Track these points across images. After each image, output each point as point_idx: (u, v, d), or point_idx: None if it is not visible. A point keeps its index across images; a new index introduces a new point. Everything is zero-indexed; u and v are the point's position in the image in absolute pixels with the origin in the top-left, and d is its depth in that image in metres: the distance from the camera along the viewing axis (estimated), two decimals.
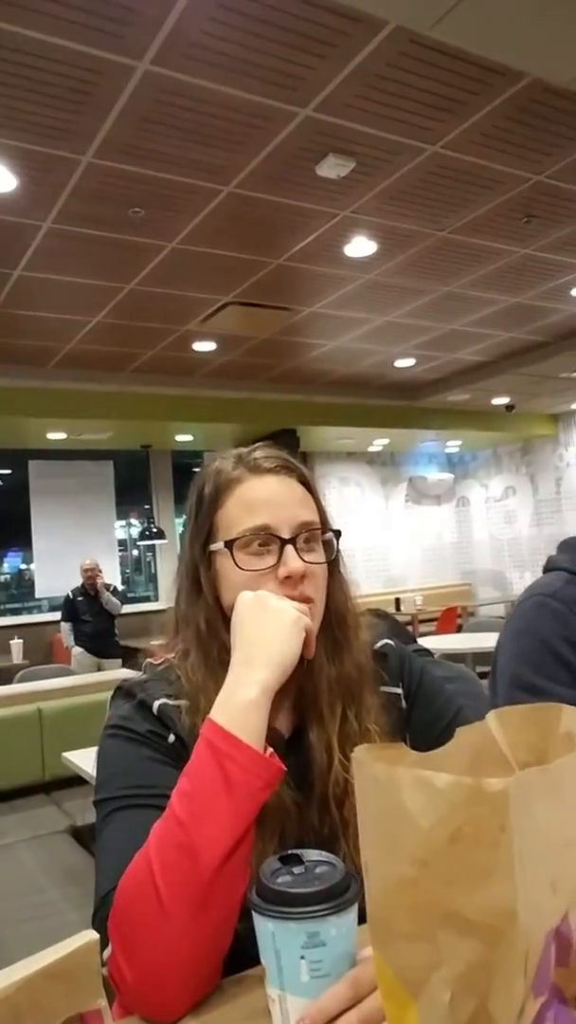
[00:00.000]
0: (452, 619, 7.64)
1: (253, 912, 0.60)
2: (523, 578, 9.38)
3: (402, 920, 0.46)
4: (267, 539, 0.86)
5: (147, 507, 8.69)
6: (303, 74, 2.54)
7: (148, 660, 0.95)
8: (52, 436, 6.98)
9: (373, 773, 0.47)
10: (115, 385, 6.16)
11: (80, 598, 6.36)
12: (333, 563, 0.92)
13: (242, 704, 0.74)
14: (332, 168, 3.15)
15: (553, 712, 0.60)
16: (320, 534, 0.90)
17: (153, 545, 8.36)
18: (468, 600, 9.50)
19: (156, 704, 0.86)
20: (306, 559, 0.86)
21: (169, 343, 5.40)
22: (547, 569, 1.23)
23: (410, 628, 7.26)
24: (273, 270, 4.22)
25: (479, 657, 5.38)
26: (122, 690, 0.90)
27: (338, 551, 0.93)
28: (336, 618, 0.92)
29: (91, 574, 6.29)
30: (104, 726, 0.89)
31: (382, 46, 2.42)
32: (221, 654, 0.86)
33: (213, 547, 0.89)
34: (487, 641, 5.62)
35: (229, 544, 0.87)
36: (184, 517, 0.96)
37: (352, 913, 0.60)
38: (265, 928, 0.58)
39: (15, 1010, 0.46)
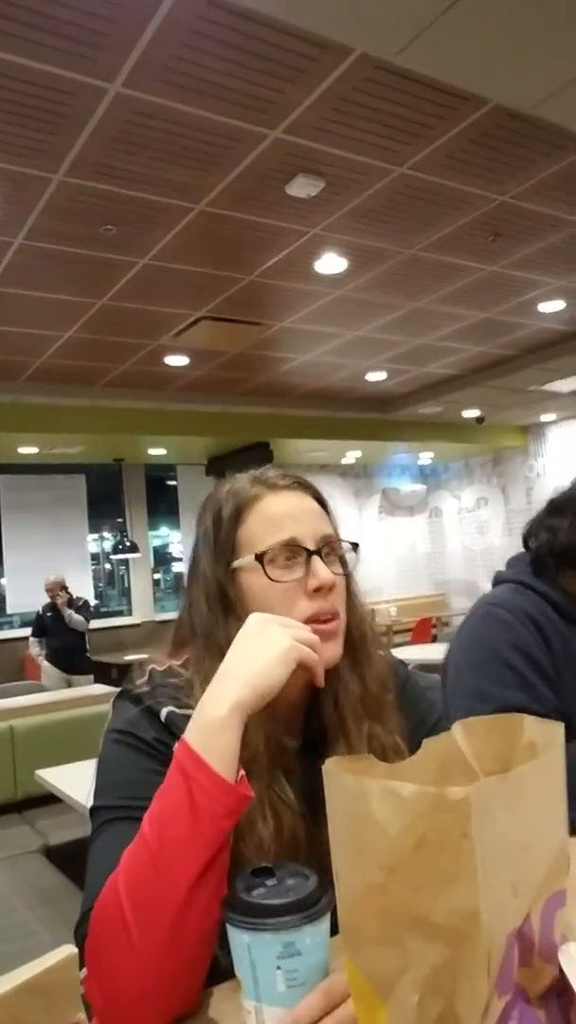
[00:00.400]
0: (427, 629, 7.71)
1: (228, 925, 0.61)
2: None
3: (371, 925, 0.49)
4: (294, 552, 0.86)
5: (120, 520, 8.65)
6: (272, 97, 2.59)
7: (152, 666, 0.92)
8: (23, 450, 6.93)
9: (343, 783, 0.50)
10: (87, 399, 6.15)
11: (49, 614, 6.31)
12: (350, 578, 0.93)
13: (211, 722, 0.72)
14: (302, 188, 3.20)
15: (516, 722, 0.63)
16: (337, 547, 0.91)
17: (126, 559, 8.31)
18: (442, 610, 9.58)
19: (164, 712, 0.83)
20: (332, 571, 0.87)
21: (141, 357, 5.41)
22: (496, 582, 1.28)
23: (385, 639, 7.29)
24: (245, 286, 4.26)
25: None
26: (128, 694, 0.88)
27: (353, 566, 0.94)
28: (358, 635, 0.92)
29: (52, 593, 6.24)
30: (108, 729, 0.86)
31: (349, 72, 2.48)
32: None
33: (239, 563, 0.88)
34: None
35: (260, 557, 0.86)
36: (195, 540, 0.94)
37: (325, 923, 0.61)
38: (240, 940, 0.59)
39: None
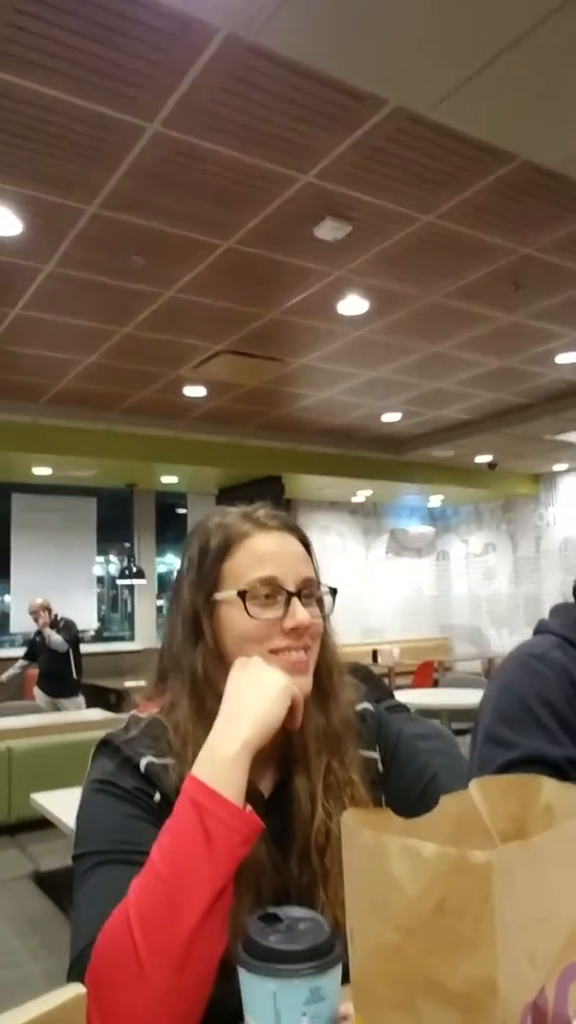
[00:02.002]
0: (429, 674, 7.63)
1: (247, 974, 0.59)
2: (500, 635, 9.41)
3: (385, 986, 0.48)
4: (274, 591, 0.88)
5: (127, 545, 8.66)
6: (306, 143, 2.66)
7: (133, 713, 0.94)
8: (38, 471, 6.98)
9: (362, 839, 0.49)
10: (104, 424, 6.21)
11: (38, 638, 6.29)
12: (324, 620, 0.95)
13: (223, 760, 0.75)
14: (329, 231, 3.26)
15: (534, 783, 0.62)
16: (316, 592, 0.93)
17: (132, 585, 8.30)
18: (445, 655, 9.49)
19: (143, 762, 0.85)
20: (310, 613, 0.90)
21: (160, 386, 5.47)
22: (537, 632, 1.24)
23: (387, 681, 7.22)
24: (266, 322, 4.32)
25: (455, 713, 5.37)
26: (108, 746, 0.89)
27: (329, 608, 0.96)
28: (325, 671, 0.94)
29: (34, 616, 6.21)
30: (88, 780, 0.88)
31: (383, 122, 2.55)
32: (215, 704, 0.85)
33: (220, 596, 0.90)
34: (463, 697, 5.61)
35: (241, 594, 0.88)
36: (180, 567, 0.97)
37: (340, 965, 0.61)
38: (264, 989, 0.58)
39: None
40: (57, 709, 5.94)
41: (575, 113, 2.42)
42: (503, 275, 3.80)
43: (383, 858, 0.47)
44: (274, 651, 0.87)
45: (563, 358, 5.09)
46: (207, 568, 0.92)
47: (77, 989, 0.51)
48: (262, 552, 0.91)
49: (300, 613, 0.87)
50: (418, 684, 7.35)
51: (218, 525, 0.94)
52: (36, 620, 6.21)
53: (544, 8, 1.92)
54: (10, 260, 3.46)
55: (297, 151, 2.70)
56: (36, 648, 6.31)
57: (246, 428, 6.80)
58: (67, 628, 6.30)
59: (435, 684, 7.42)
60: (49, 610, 6.28)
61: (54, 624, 6.25)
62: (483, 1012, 0.44)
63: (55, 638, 6.17)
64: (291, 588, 0.89)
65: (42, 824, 3.12)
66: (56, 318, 4.17)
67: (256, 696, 0.80)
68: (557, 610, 1.25)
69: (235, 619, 0.89)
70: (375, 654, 8.18)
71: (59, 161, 2.70)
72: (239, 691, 0.81)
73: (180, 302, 3.98)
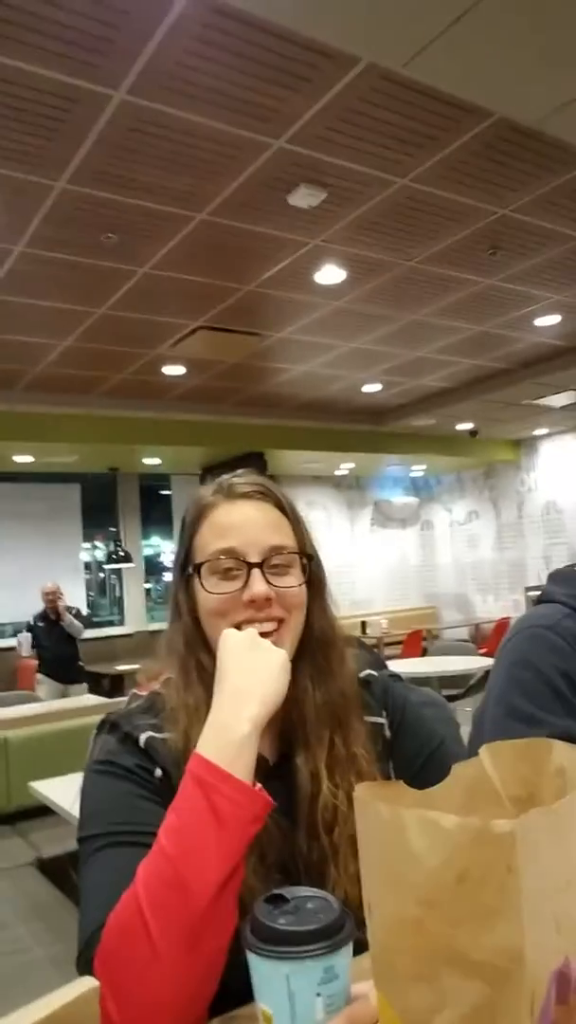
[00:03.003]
0: (417, 643, 7.68)
1: (258, 958, 0.58)
2: (486, 601, 9.49)
3: (406, 961, 0.46)
4: (236, 563, 0.87)
5: (113, 530, 8.61)
6: (276, 106, 2.59)
7: (133, 691, 0.96)
8: (19, 459, 6.89)
9: (376, 812, 0.47)
10: (83, 408, 6.12)
11: (40, 624, 6.20)
12: (316, 589, 0.93)
13: (233, 740, 0.74)
14: (303, 198, 3.20)
15: (544, 747, 0.61)
16: (296, 558, 0.90)
17: (119, 569, 8.27)
18: (433, 623, 9.58)
19: (143, 737, 0.85)
20: (276, 583, 0.87)
21: (139, 367, 5.40)
22: (542, 600, 1.22)
23: (376, 651, 7.26)
24: (243, 296, 4.26)
25: (445, 681, 5.42)
26: (107, 723, 0.90)
27: (320, 577, 0.95)
28: (319, 644, 0.92)
29: (51, 597, 6.14)
30: (89, 761, 0.87)
31: (355, 82, 2.48)
32: (201, 673, 0.87)
33: (190, 571, 0.90)
34: (452, 665, 5.66)
35: (197, 568, 0.89)
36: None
37: (352, 942, 0.60)
38: (277, 972, 0.57)
39: None
40: (64, 695, 5.92)
41: (552, 68, 2.37)
42: (480, 238, 3.76)
43: (400, 831, 0.45)
44: (238, 625, 0.85)
45: (541, 321, 5.07)
46: (182, 543, 0.94)
47: (90, 983, 0.49)
48: (222, 524, 0.90)
49: (257, 585, 0.86)
50: (407, 654, 7.41)
51: (194, 499, 0.95)
52: (53, 604, 6.11)
53: None
54: None
55: (268, 115, 2.63)
56: (38, 633, 6.20)
57: (227, 405, 6.74)
58: (78, 615, 6.29)
59: (424, 653, 7.49)
60: (61, 595, 6.25)
61: (68, 611, 6.22)
62: (509, 981, 0.43)
63: (76, 624, 6.17)
64: (253, 559, 0.87)
65: (42, 812, 3.12)
66: (29, 301, 4.08)
67: (261, 672, 0.79)
68: (560, 577, 1.22)
69: (201, 593, 0.88)
70: (363, 625, 8.23)
71: (21, 135, 2.61)
72: (241, 667, 0.80)
73: (155, 279, 3.91)
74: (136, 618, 8.35)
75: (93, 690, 6.23)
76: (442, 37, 2.16)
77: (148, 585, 8.80)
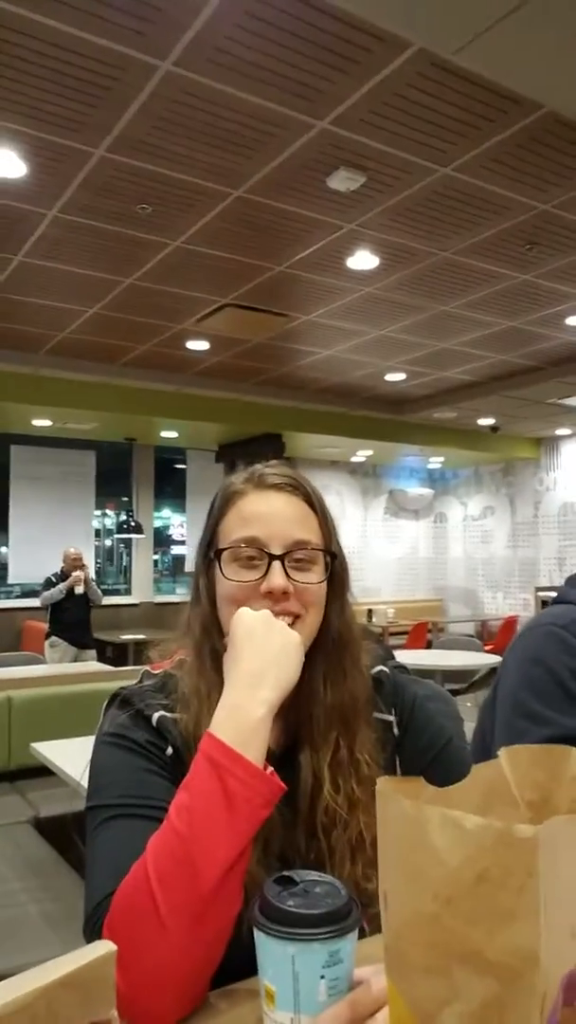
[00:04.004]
0: (422, 634, 7.70)
1: (266, 937, 0.60)
2: (495, 598, 9.48)
3: (419, 953, 0.47)
4: (258, 553, 0.87)
5: (125, 499, 8.64)
6: (323, 87, 2.56)
7: (146, 669, 0.96)
8: (37, 423, 6.92)
9: (399, 806, 0.48)
10: (105, 376, 6.13)
11: (60, 584, 6.28)
12: (337, 588, 0.93)
13: (248, 722, 0.75)
14: (342, 181, 3.17)
15: (562, 754, 0.61)
16: (319, 555, 0.90)
17: (129, 539, 8.31)
18: (439, 616, 9.58)
19: (155, 716, 0.86)
20: (296, 578, 0.87)
21: (163, 339, 5.39)
22: (558, 601, 1.22)
23: (382, 640, 7.29)
24: (274, 276, 4.23)
25: (448, 675, 5.44)
26: (119, 698, 0.90)
27: (342, 577, 0.94)
28: (335, 644, 0.92)
29: (78, 563, 6.22)
30: (100, 733, 0.88)
31: (404, 66, 2.45)
32: (214, 659, 0.87)
33: (211, 556, 0.91)
34: (456, 659, 5.68)
35: (218, 553, 0.89)
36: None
37: (357, 928, 0.62)
38: (283, 952, 0.59)
39: (33, 1017, 0.46)
40: (76, 659, 6.00)
41: None
42: (518, 232, 3.71)
43: (422, 827, 0.46)
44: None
45: (573, 320, 5.02)
46: (208, 528, 0.94)
47: (109, 946, 0.50)
48: (249, 512, 0.89)
49: (276, 577, 0.85)
50: (411, 645, 7.43)
51: (224, 484, 0.95)
52: (78, 569, 6.17)
53: None
54: (13, 204, 3.36)
55: (313, 95, 2.60)
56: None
57: (248, 384, 6.73)
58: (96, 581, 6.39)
59: (428, 645, 7.50)
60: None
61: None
62: (521, 981, 0.44)
63: (97, 590, 6.33)
64: (275, 551, 0.87)
65: (41, 772, 3.17)
66: (60, 266, 4.08)
67: (275, 654, 0.79)
68: (574, 580, 1.23)
69: (220, 579, 0.89)
70: (370, 613, 8.25)
71: (66, 100, 2.59)
72: (254, 648, 0.79)
73: (186, 252, 3.89)
74: (143, 589, 8.41)
75: (98, 657, 6.30)
76: (496, 26, 2.12)
77: (155, 557, 8.84)
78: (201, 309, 4.76)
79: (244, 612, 0.83)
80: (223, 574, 0.88)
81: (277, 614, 0.84)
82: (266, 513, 0.89)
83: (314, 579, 0.88)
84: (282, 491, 0.91)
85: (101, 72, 2.45)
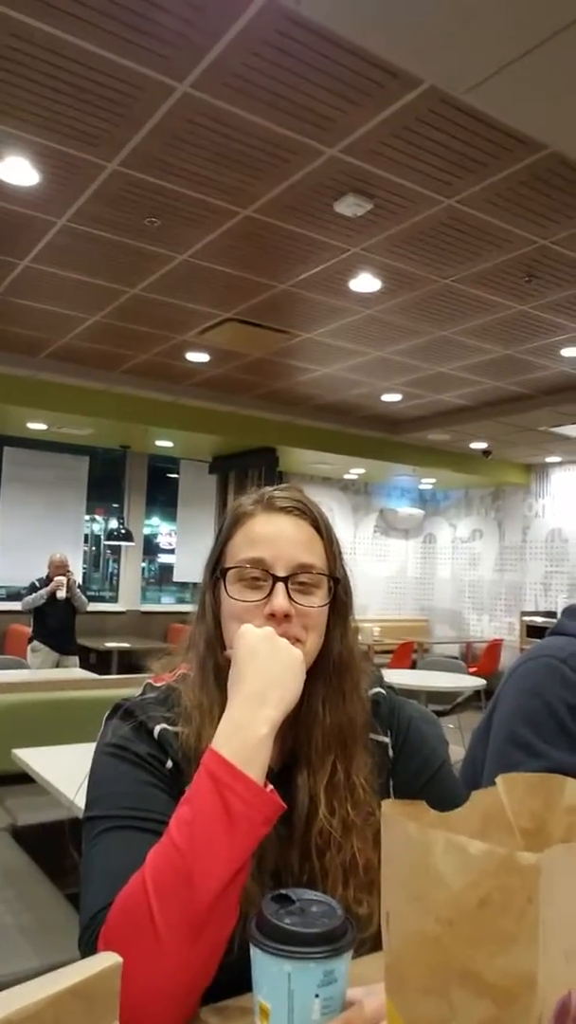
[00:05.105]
0: (407, 654, 7.71)
1: (262, 954, 0.60)
2: (480, 621, 9.52)
3: (420, 973, 0.50)
4: (262, 574, 0.88)
5: (116, 506, 8.63)
6: (335, 116, 2.61)
7: (148, 681, 0.96)
8: (32, 426, 6.92)
9: (405, 831, 0.51)
10: (103, 383, 6.15)
11: (42, 590, 6.25)
12: (340, 613, 0.94)
13: (251, 740, 0.76)
14: (349, 207, 3.22)
15: (558, 784, 0.64)
16: (323, 579, 0.91)
17: (119, 546, 8.29)
18: (424, 636, 9.60)
19: (157, 729, 0.87)
20: (299, 601, 0.88)
21: (163, 350, 5.43)
22: (556, 632, 1.23)
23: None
24: (277, 293, 4.28)
25: (432, 696, 5.45)
26: (122, 709, 0.91)
27: (345, 602, 0.95)
28: (335, 668, 0.93)
29: (62, 569, 6.18)
30: (101, 743, 0.89)
31: (415, 102, 2.51)
32: (217, 675, 0.88)
33: (218, 575, 0.92)
34: (440, 680, 5.69)
35: (223, 572, 0.90)
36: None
37: (352, 948, 0.63)
38: (280, 970, 0.59)
39: None
40: (58, 665, 5.96)
41: None
42: (517, 264, 3.78)
43: (427, 851, 0.49)
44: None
45: (568, 351, 5.10)
46: (216, 546, 0.95)
47: (114, 958, 0.51)
48: (256, 534, 0.91)
49: (279, 599, 0.86)
50: (396, 664, 7.43)
51: (234, 504, 0.96)
52: (63, 575, 6.10)
53: None
54: (23, 211, 3.39)
55: (325, 124, 2.66)
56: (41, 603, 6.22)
57: (245, 398, 6.76)
58: (82, 588, 6.32)
59: (413, 665, 7.51)
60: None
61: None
62: (517, 1005, 0.46)
63: (82, 596, 6.24)
64: (280, 573, 0.88)
65: (21, 779, 3.14)
66: (65, 273, 4.11)
67: (278, 673, 0.81)
68: (572, 612, 1.25)
69: (224, 598, 0.90)
70: (364, 655, 8.23)
71: (83, 115, 2.64)
72: (258, 665, 0.81)
73: (192, 267, 3.93)
74: (130, 597, 8.38)
75: (80, 664, 6.27)
76: (506, 70, 2.18)
77: (143, 564, 8.83)
78: (203, 322, 4.80)
79: (248, 629, 0.84)
80: (228, 593, 0.89)
81: (280, 636, 0.85)
82: (273, 535, 0.90)
83: (316, 603, 0.90)
84: (290, 514, 0.93)
85: (120, 90, 2.49)
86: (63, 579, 6.09)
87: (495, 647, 8.42)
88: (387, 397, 6.55)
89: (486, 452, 8.24)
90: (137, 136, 2.76)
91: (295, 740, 0.90)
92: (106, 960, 0.52)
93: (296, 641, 0.87)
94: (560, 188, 3.04)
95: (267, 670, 0.80)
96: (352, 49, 2.25)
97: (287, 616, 0.86)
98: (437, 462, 8.35)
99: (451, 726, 5.49)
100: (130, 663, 6.98)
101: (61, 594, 6.06)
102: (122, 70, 2.39)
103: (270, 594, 0.87)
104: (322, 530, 0.95)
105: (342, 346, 5.20)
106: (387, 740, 0.98)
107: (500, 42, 2.09)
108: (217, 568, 0.93)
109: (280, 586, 0.87)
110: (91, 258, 3.89)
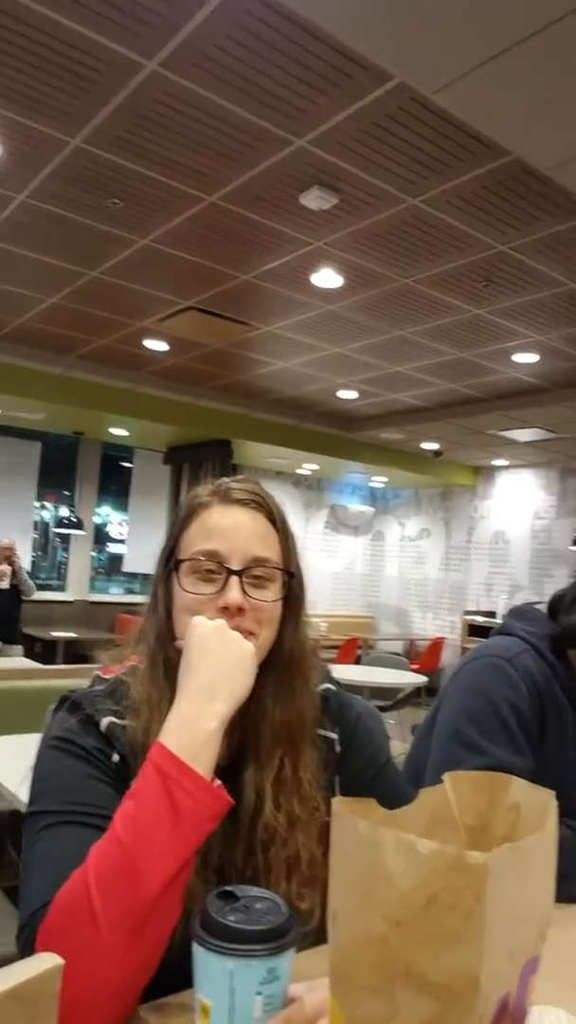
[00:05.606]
0: (352, 650, 7.78)
1: (204, 951, 0.60)
2: (424, 619, 9.67)
3: (365, 972, 0.49)
4: (216, 567, 0.87)
5: (67, 493, 8.47)
6: (304, 106, 2.60)
7: (97, 673, 0.94)
8: None
9: (355, 829, 0.50)
10: (58, 367, 6.02)
11: None
12: (293, 608, 0.93)
13: (200, 734, 0.75)
14: (315, 200, 3.21)
15: (502, 782, 0.64)
16: (277, 573, 0.90)
17: (68, 535, 8.14)
18: (370, 633, 9.70)
19: (104, 722, 0.85)
20: (252, 595, 0.87)
21: (121, 336, 5.33)
22: (501, 632, 1.25)
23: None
24: (239, 284, 4.25)
25: (375, 691, 5.51)
26: (68, 701, 0.89)
27: (299, 596, 0.94)
28: (286, 663, 0.92)
29: (8, 553, 6.04)
30: (46, 736, 0.87)
31: (384, 97, 2.51)
32: (167, 668, 0.87)
33: (171, 566, 0.91)
34: (383, 676, 5.76)
35: (177, 564, 0.89)
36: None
37: (295, 946, 0.63)
38: (222, 967, 0.59)
39: None
40: (2, 656, 5.81)
41: (574, 118, 2.43)
42: (476, 268, 3.83)
43: (377, 849, 0.48)
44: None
45: (520, 357, 5.19)
46: (170, 538, 0.93)
47: (54, 960, 0.50)
48: (211, 525, 0.90)
49: (232, 593, 0.85)
50: (341, 660, 7.49)
51: (190, 495, 0.95)
52: (10, 560, 5.96)
53: (566, 6, 1.91)
54: None
55: (294, 113, 2.64)
56: None
57: (203, 388, 6.71)
58: (29, 574, 6.18)
59: (357, 661, 7.58)
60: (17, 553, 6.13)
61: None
62: (461, 1003, 0.46)
63: (30, 582, 6.12)
64: (234, 566, 0.87)
65: None
66: (23, 252, 3.99)
67: (229, 667, 0.80)
68: (520, 613, 1.26)
69: (177, 590, 0.89)
70: (314, 649, 8.27)
71: (47, 87, 2.56)
72: (215, 660, 0.80)
73: (154, 252, 3.87)
74: (79, 586, 8.25)
75: (24, 653, 6.14)
76: (476, 71, 2.20)
77: (93, 554, 8.69)
78: (163, 309, 4.73)
79: (199, 621, 0.83)
80: (181, 585, 0.88)
81: (232, 629, 0.84)
82: (229, 527, 0.89)
83: (270, 597, 0.89)
84: (246, 507, 0.92)
85: (87, 64, 2.42)
86: (5, 567, 5.96)
87: (437, 645, 8.56)
88: (343, 394, 6.58)
89: (437, 453, 8.36)
90: (102, 113, 2.70)
91: (243, 735, 0.89)
92: (47, 962, 0.51)
93: (249, 635, 0.86)
94: (521, 195, 3.08)
95: (218, 663, 0.79)
96: (324, 38, 2.24)
97: (240, 610, 0.86)
98: (389, 461, 8.43)
99: (392, 722, 5.56)
100: (77, 654, 6.87)
101: (3, 584, 5.93)
102: (89, 43, 2.32)
103: (224, 587, 0.86)
104: (278, 524, 0.94)
105: (301, 340, 5.19)
106: (335, 736, 0.98)
107: (471, 44, 2.10)
108: (171, 559, 0.91)
109: (234, 579, 0.86)
110: (50, 237, 3.79)
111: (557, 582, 7.60)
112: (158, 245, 3.79)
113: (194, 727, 0.75)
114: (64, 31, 2.28)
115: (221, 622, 0.83)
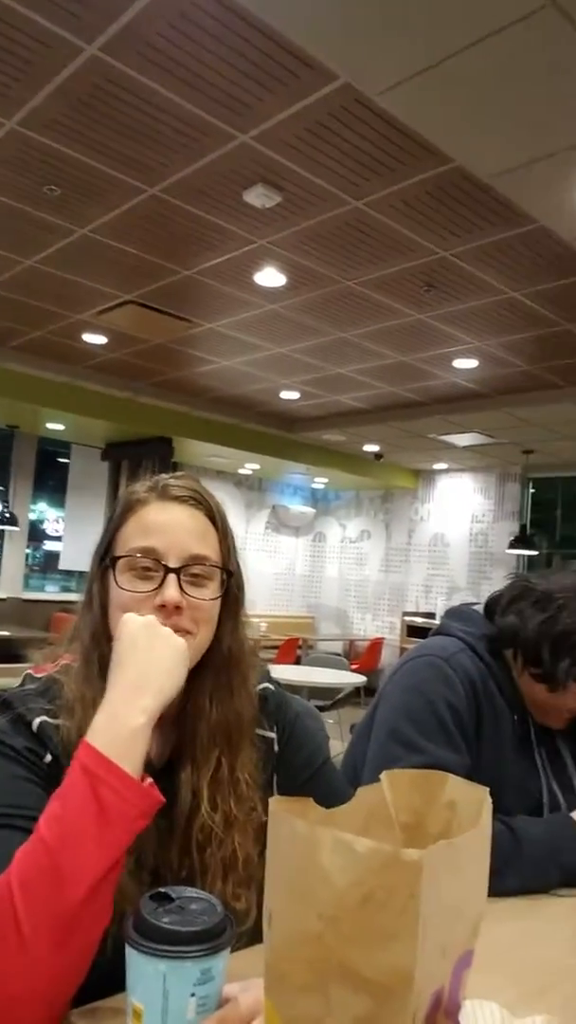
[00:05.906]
0: (292, 650, 7.79)
1: (137, 954, 0.58)
2: (364, 619, 9.76)
3: (300, 971, 0.48)
4: (154, 564, 0.86)
5: (1, 489, 8.23)
6: (248, 101, 2.58)
7: (28, 672, 0.92)
8: None
9: (292, 828, 0.49)
10: None
11: None
12: (231, 607, 0.92)
13: (126, 731, 0.73)
14: (259, 197, 3.20)
15: (438, 779, 0.64)
16: (216, 572, 0.89)
17: (2, 531, 7.91)
18: (310, 633, 9.74)
19: (36, 721, 0.83)
20: (190, 593, 0.86)
21: (58, 328, 5.20)
22: (440, 632, 1.26)
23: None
24: (181, 279, 4.20)
25: (314, 691, 5.53)
26: (1, 702, 0.86)
27: (237, 595, 0.93)
28: (224, 662, 0.91)
29: None
30: None
31: (329, 97, 2.51)
32: (102, 666, 0.85)
33: (107, 563, 0.89)
34: (323, 676, 5.78)
35: (113, 561, 0.87)
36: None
37: (230, 945, 0.62)
38: (155, 970, 0.57)
39: None
40: None
41: (515, 130, 2.48)
42: (418, 273, 3.88)
43: (314, 848, 0.47)
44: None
45: (460, 363, 5.29)
46: (106, 534, 0.92)
47: None
48: (149, 522, 0.88)
49: (169, 590, 0.84)
50: (281, 660, 7.49)
51: (127, 491, 0.93)
52: None
53: (508, 17, 1.95)
54: None
55: (238, 108, 2.62)
56: None
57: (142, 384, 6.61)
58: None
59: (297, 661, 7.60)
60: None
61: None
62: (394, 999, 0.45)
63: None
64: (172, 564, 0.86)
65: None
66: None
67: (159, 662, 0.78)
68: (457, 614, 1.28)
69: (113, 587, 0.87)
70: (253, 649, 8.24)
71: None
72: (144, 656, 0.78)
73: (93, 242, 3.79)
74: (12, 584, 8.02)
75: None
76: (420, 76, 2.22)
77: (27, 551, 8.46)
78: (102, 302, 4.64)
79: (130, 618, 0.81)
80: (117, 583, 0.86)
81: (169, 628, 0.83)
82: (167, 524, 0.88)
83: (208, 595, 0.88)
84: (185, 504, 0.90)
85: (23, 43, 2.35)
86: None
87: (376, 645, 8.66)
88: (285, 394, 6.58)
89: (378, 455, 8.45)
90: (39, 96, 2.62)
91: (180, 735, 0.88)
92: None
93: (186, 634, 0.84)
94: (461, 202, 3.14)
95: (147, 660, 0.78)
96: (270, 33, 2.23)
97: (178, 608, 0.84)
98: (330, 462, 8.48)
99: (331, 721, 5.59)
100: (9, 653, 6.67)
101: None
102: (28, 23, 2.25)
103: (161, 585, 0.85)
104: (217, 522, 0.93)
105: (244, 339, 5.17)
106: (273, 735, 0.97)
107: (414, 49, 2.13)
108: (107, 556, 0.89)
109: (172, 577, 0.85)
110: None
111: (494, 584, 7.80)
112: (97, 236, 3.71)
113: (121, 724, 0.73)
114: (4, 10, 2.20)
115: (151, 618, 0.82)
